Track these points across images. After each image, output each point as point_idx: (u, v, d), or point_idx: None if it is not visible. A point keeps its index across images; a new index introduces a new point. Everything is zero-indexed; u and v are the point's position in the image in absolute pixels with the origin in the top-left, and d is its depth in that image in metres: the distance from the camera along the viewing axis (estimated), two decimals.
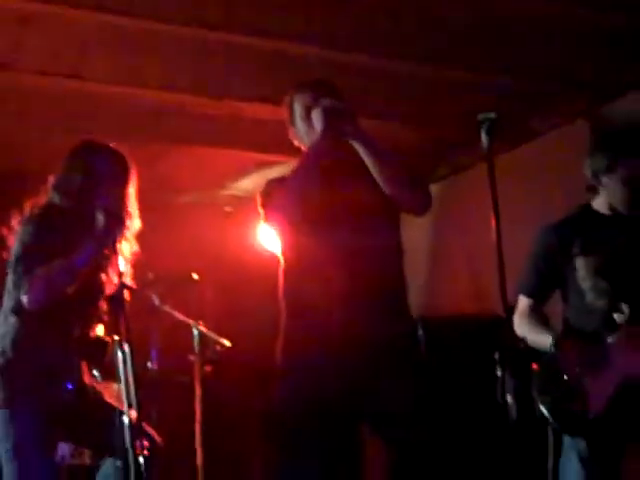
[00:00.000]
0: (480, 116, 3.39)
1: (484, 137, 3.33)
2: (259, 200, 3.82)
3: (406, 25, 4.88)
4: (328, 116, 3.60)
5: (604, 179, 3.84)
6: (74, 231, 3.67)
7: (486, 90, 5.33)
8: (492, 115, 3.34)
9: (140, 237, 3.90)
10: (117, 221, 3.61)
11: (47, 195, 3.84)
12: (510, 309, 3.77)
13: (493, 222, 3.29)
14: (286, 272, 3.77)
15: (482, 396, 3.62)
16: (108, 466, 3.70)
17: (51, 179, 3.87)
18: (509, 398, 3.32)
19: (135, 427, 3.26)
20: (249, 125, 5.92)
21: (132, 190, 3.89)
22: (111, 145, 3.90)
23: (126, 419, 3.26)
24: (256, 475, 6.01)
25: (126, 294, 3.44)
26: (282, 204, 3.68)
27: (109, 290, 3.68)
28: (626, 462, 3.87)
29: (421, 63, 5.11)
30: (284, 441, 3.76)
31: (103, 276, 3.75)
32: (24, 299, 3.55)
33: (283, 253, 3.79)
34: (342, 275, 3.62)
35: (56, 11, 4.38)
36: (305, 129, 3.76)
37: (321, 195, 3.63)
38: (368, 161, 3.61)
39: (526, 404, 3.74)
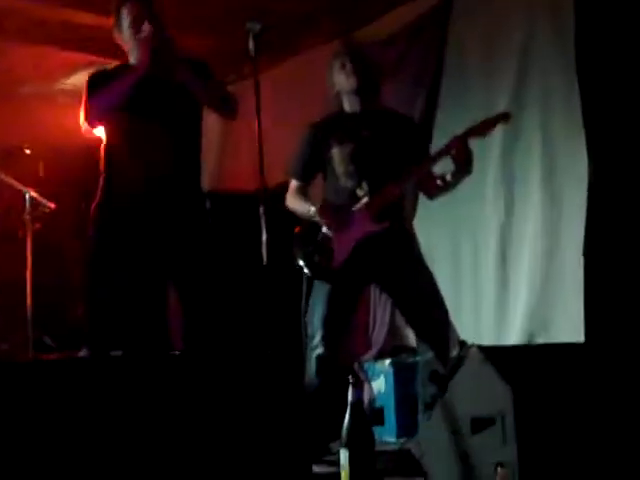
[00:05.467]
0: (248, 25, 3.40)
1: (251, 44, 3.34)
2: (85, 90, 3.78)
3: None
4: (148, 44, 3.60)
5: (335, 73, 3.99)
6: None
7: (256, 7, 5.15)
8: (258, 25, 3.35)
9: None
10: None
11: None
12: (269, 189, 3.85)
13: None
14: (106, 150, 3.77)
15: (253, 253, 3.67)
16: None
17: None
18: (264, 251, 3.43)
19: None
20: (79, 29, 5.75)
21: None
22: None
23: None
24: (78, 313, 5.93)
25: None
26: (107, 99, 3.66)
27: None
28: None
29: None
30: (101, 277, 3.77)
31: None
32: None
33: (106, 136, 3.79)
34: (147, 153, 3.66)
35: None
36: (130, 41, 3.73)
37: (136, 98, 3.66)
38: (186, 80, 3.65)
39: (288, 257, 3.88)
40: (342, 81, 3.97)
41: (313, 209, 3.86)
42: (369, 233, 3.83)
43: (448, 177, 3.87)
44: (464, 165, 3.80)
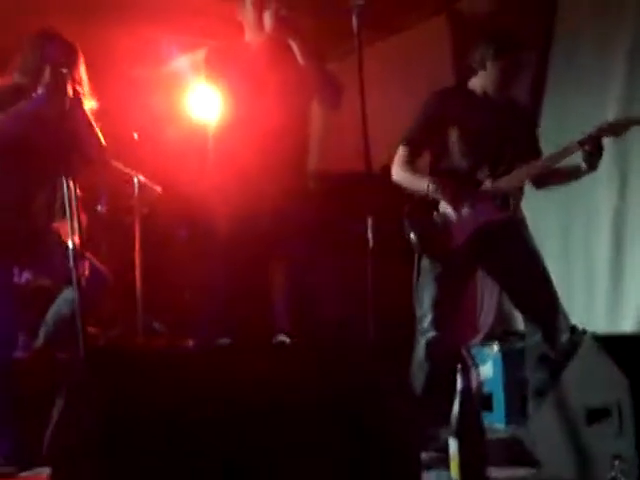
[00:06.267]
0: (351, 2, 3.38)
1: (355, 20, 3.33)
2: (206, 63, 3.84)
3: None
4: (277, 22, 3.62)
5: (488, 64, 3.85)
6: None
7: None
8: (362, 1, 3.33)
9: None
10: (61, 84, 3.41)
11: (12, 75, 3.68)
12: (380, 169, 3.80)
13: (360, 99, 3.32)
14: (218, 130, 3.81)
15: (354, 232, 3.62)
16: (68, 292, 3.61)
17: (15, 61, 3.70)
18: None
19: (77, 252, 3.17)
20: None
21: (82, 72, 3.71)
22: (62, 34, 3.71)
23: (70, 244, 3.16)
24: (185, 297, 6.01)
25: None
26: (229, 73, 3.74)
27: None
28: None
29: None
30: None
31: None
32: None
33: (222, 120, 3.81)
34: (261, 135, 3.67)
35: None
36: (253, 17, 3.75)
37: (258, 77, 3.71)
38: (301, 60, 3.67)
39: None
40: (488, 73, 3.88)
41: (433, 186, 3.78)
42: (492, 220, 3.78)
43: (577, 171, 3.80)
44: (593, 162, 3.72)
